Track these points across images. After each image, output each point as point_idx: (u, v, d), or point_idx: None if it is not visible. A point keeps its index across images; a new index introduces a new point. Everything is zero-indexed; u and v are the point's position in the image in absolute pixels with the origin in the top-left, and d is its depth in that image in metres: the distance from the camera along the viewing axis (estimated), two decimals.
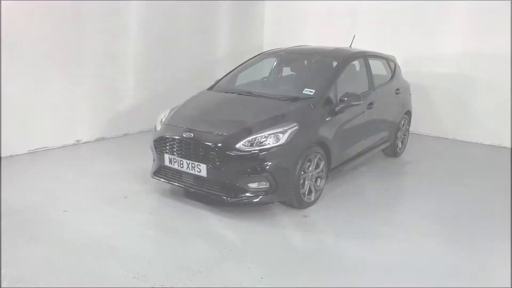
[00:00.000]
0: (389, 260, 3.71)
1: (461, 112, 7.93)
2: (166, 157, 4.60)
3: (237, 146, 4.25)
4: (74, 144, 6.66)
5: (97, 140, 6.99)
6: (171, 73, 8.06)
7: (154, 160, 4.92)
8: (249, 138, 4.28)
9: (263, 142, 4.26)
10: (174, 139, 4.55)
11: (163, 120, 4.93)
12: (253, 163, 4.22)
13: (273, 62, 6.14)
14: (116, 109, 7.28)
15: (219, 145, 4.28)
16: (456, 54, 7.80)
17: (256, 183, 4.27)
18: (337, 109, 4.93)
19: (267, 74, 6.11)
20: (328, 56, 5.66)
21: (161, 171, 4.78)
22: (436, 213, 4.73)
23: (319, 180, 4.72)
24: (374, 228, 4.28)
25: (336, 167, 5.06)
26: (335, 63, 5.43)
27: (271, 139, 4.27)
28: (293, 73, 5.98)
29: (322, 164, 4.70)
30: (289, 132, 4.34)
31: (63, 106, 6.46)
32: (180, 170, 4.53)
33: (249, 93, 5.22)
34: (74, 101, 6.60)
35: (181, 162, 4.48)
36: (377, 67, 6.19)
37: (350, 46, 6.67)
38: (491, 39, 7.43)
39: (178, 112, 5.00)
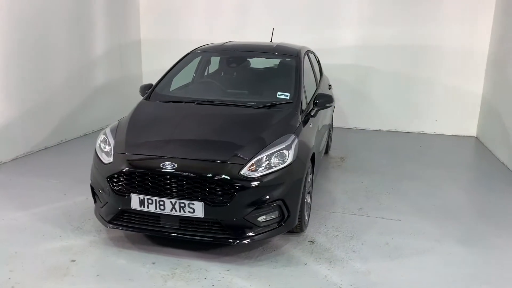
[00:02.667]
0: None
1: (360, 102, 8.11)
2: (135, 198, 3.41)
3: (242, 173, 3.35)
4: None
5: None
6: (48, 80, 6.36)
7: (102, 202, 3.64)
8: (253, 161, 3.42)
9: (268, 163, 3.45)
10: (146, 174, 3.38)
11: (112, 147, 3.66)
12: (264, 191, 3.39)
13: (206, 62, 5.21)
14: None
15: (220, 174, 3.32)
16: (354, 47, 7.91)
17: (265, 215, 3.45)
18: (312, 112, 4.37)
19: (204, 76, 5.16)
20: (278, 53, 5.01)
21: (122, 217, 3.55)
22: None
23: (308, 195, 4.10)
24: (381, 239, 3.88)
25: None
26: (290, 61, 4.81)
27: (275, 158, 3.49)
28: (241, 73, 5.14)
29: (310, 178, 4.10)
30: (293, 147, 3.61)
31: None
32: (158, 213, 3.40)
33: (211, 102, 4.26)
34: None
35: (161, 203, 3.36)
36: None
37: (271, 41, 6.14)
38: (382, 31, 7.71)
39: (131, 134, 3.79)
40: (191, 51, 5.12)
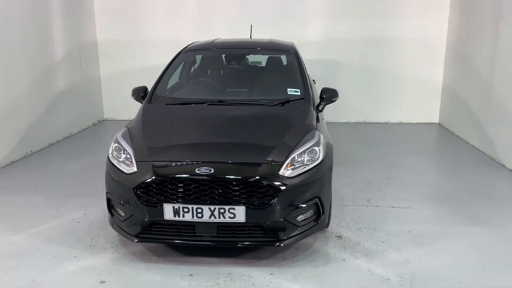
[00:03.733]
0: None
1: None
2: (168, 208, 3.19)
3: (280, 173, 3.26)
4: None
5: None
6: (9, 88, 5.85)
7: (124, 216, 3.38)
8: (288, 161, 3.33)
9: (301, 161, 3.38)
10: (180, 181, 3.19)
11: (131, 155, 3.41)
12: (303, 190, 3.32)
13: (203, 60, 5.02)
14: None
15: (261, 176, 3.20)
16: (319, 41, 8.01)
17: (303, 214, 3.38)
18: (320, 107, 4.36)
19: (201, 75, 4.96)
20: (274, 48, 4.93)
21: (152, 229, 3.31)
22: None
23: None
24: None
25: None
26: (289, 56, 4.77)
27: (307, 156, 3.43)
28: (242, 71, 5.00)
29: None
30: (322, 143, 3.58)
31: None
32: (194, 222, 3.22)
33: (222, 102, 4.10)
34: None
35: (199, 210, 3.17)
36: None
37: (250, 37, 6.07)
38: (346, 25, 7.89)
39: (150, 140, 3.55)
40: (182, 50, 4.90)
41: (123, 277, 3.26)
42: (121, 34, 8.25)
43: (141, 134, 3.64)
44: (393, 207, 4.47)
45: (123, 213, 3.40)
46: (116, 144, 3.59)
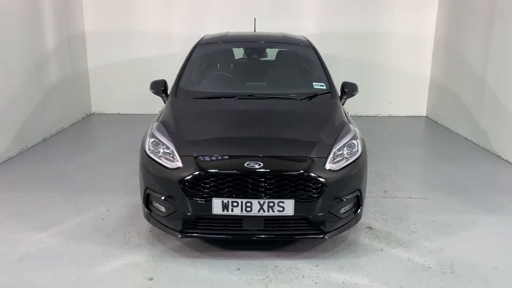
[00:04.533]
0: None
1: None
2: (217, 202, 3.17)
3: (326, 167, 3.30)
4: None
5: None
6: (3, 83, 5.62)
7: (166, 211, 3.33)
8: (331, 154, 3.38)
9: (343, 154, 3.44)
10: (229, 175, 3.17)
11: (173, 150, 3.36)
12: (347, 183, 3.38)
13: (221, 53, 4.98)
14: None
15: (309, 170, 3.23)
16: (311, 35, 8.07)
17: (345, 207, 3.44)
18: (342, 101, 4.43)
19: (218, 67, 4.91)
20: (290, 43, 4.95)
21: (197, 224, 3.28)
22: None
23: None
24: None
25: None
26: (307, 50, 4.80)
27: (346, 149, 3.49)
28: (264, 64, 4.98)
29: None
30: (359, 136, 3.65)
31: None
32: (241, 216, 3.21)
33: (251, 96, 4.09)
34: None
35: (248, 204, 3.17)
36: None
37: (254, 30, 6.08)
38: (338, 20, 8.01)
39: (189, 134, 3.51)
40: (198, 43, 4.83)
41: (170, 273, 3.21)
42: (109, 26, 8.03)
43: (178, 128, 3.58)
44: (410, 197, 4.61)
45: (165, 208, 3.35)
46: (153, 139, 3.52)
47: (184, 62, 4.54)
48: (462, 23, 7.12)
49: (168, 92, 4.37)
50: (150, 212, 3.48)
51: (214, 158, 3.31)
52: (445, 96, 7.66)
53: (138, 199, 4.32)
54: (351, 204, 3.48)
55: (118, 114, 8.41)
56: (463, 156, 6.14)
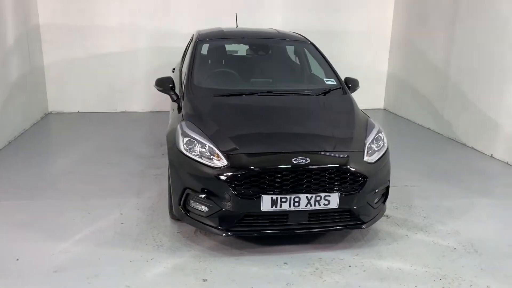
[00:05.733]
0: None
1: None
2: (266, 199, 3.20)
3: (365, 160, 3.46)
4: None
5: None
6: None
7: (209, 211, 3.30)
8: (366, 148, 3.54)
9: (371, 147, 3.61)
10: (278, 172, 3.21)
11: (214, 148, 3.32)
12: (381, 174, 3.56)
13: (222, 50, 4.94)
14: None
15: (353, 164, 3.37)
16: None
17: (378, 198, 3.62)
18: None
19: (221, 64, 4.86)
20: (291, 39, 5.02)
21: (243, 222, 3.29)
22: None
23: None
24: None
25: None
26: (309, 47, 4.92)
27: (374, 143, 3.67)
28: (271, 61, 4.98)
29: None
30: (382, 129, 3.84)
31: None
32: (287, 211, 3.27)
33: (270, 92, 4.13)
34: None
35: (296, 199, 3.24)
36: None
37: (236, 26, 6.10)
38: (301, 17, 8.23)
39: (225, 132, 3.49)
40: (199, 40, 4.75)
41: (220, 273, 3.19)
42: (66, 18, 7.56)
43: (210, 126, 3.54)
44: (407, 185, 4.92)
45: (207, 208, 3.31)
46: (187, 138, 3.44)
47: (191, 59, 4.45)
48: (419, 18, 7.63)
49: (177, 90, 4.28)
50: (188, 212, 3.41)
51: (262, 155, 3.32)
52: (404, 89, 8.17)
53: (149, 201, 4.26)
54: (381, 195, 3.66)
55: (79, 112, 7.98)
56: (432, 144, 6.60)
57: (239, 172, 3.19)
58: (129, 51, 7.89)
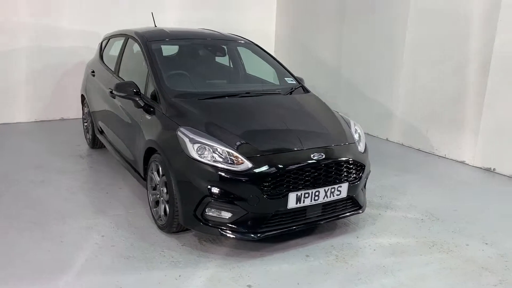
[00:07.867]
0: None
1: None
2: (292, 196, 3.29)
3: (359, 150, 3.79)
4: None
5: None
6: None
7: (234, 216, 3.26)
8: (355, 140, 3.88)
9: (358, 138, 3.96)
10: (301, 168, 3.33)
11: (231, 151, 3.26)
12: (368, 161, 3.93)
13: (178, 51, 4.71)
14: None
15: (355, 155, 3.68)
16: None
17: (364, 182, 3.99)
18: None
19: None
20: (236, 40, 5.02)
21: (269, 222, 3.32)
22: None
23: None
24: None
25: None
26: (253, 47, 5.01)
27: (356, 134, 4.03)
28: (223, 61, 4.84)
29: None
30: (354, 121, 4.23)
31: None
32: (306, 206, 3.42)
33: (248, 93, 4.15)
34: None
35: (317, 193, 3.40)
36: None
37: (155, 25, 5.90)
38: (194, 15, 8.21)
39: (238, 134, 3.44)
40: (147, 40, 4.41)
41: (258, 275, 3.16)
42: None
43: (215, 129, 3.44)
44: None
45: (230, 213, 3.24)
46: (197, 145, 3.28)
47: (149, 62, 4.12)
48: (299, 17, 8.24)
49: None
50: (206, 221, 3.28)
51: (284, 154, 3.37)
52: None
53: (121, 218, 4.00)
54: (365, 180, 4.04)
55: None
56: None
57: (268, 172, 3.20)
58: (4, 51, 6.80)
